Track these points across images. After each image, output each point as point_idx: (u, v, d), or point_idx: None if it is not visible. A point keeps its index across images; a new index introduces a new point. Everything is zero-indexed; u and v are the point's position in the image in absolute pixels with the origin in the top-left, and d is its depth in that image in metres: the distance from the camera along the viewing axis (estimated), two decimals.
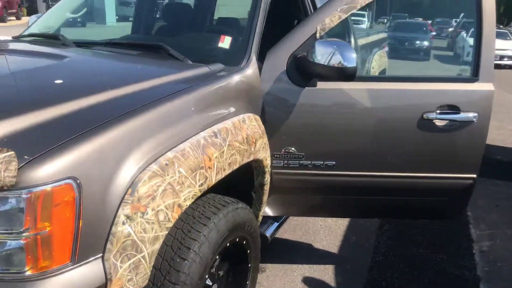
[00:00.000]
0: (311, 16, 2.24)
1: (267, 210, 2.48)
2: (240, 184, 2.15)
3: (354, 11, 2.20)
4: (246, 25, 2.27)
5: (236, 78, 1.97)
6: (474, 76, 2.24)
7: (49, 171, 1.14)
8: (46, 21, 2.82)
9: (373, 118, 2.25)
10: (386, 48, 5.50)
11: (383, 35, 5.77)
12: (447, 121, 2.23)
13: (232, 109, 1.86)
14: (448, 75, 3.14)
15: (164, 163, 1.41)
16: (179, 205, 1.45)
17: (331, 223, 3.41)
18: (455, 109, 2.21)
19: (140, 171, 1.34)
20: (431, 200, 2.45)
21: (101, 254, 1.27)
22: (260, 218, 2.31)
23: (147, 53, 2.17)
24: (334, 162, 2.29)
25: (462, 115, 2.21)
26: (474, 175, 2.35)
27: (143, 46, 2.27)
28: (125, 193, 1.29)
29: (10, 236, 1.15)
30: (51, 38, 2.38)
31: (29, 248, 1.15)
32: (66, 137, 1.23)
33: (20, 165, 1.11)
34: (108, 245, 1.27)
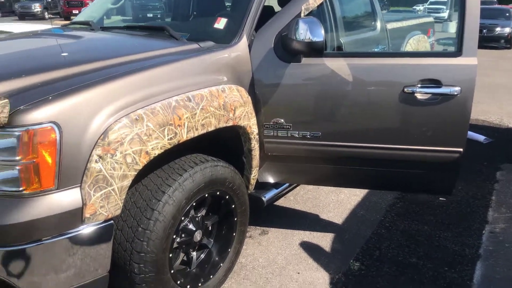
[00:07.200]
0: None
1: (266, 177, 2.73)
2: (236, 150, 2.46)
3: None
4: (241, 9, 2.53)
5: (220, 54, 2.25)
6: (458, 51, 2.29)
7: (34, 116, 1.53)
8: (90, 11, 3.33)
9: (355, 91, 2.39)
10: (431, 33, 5.36)
11: (429, 19, 5.60)
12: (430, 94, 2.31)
13: (212, 79, 2.15)
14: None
15: (134, 117, 1.75)
16: (147, 152, 1.79)
17: (343, 198, 3.56)
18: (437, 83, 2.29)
19: (111, 123, 1.69)
20: (418, 173, 2.53)
21: (79, 184, 1.65)
22: (253, 181, 2.57)
23: (155, 34, 2.55)
24: (320, 133, 2.48)
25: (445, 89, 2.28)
26: (460, 149, 2.39)
27: (152, 29, 2.66)
28: (98, 138, 1.66)
29: (9, 163, 1.57)
30: (84, 25, 2.86)
31: (23, 173, 1.56)
32: (53, 93, 1.62)
33: (13, 110, 1.51)
34: (84, 178, 1.65)
